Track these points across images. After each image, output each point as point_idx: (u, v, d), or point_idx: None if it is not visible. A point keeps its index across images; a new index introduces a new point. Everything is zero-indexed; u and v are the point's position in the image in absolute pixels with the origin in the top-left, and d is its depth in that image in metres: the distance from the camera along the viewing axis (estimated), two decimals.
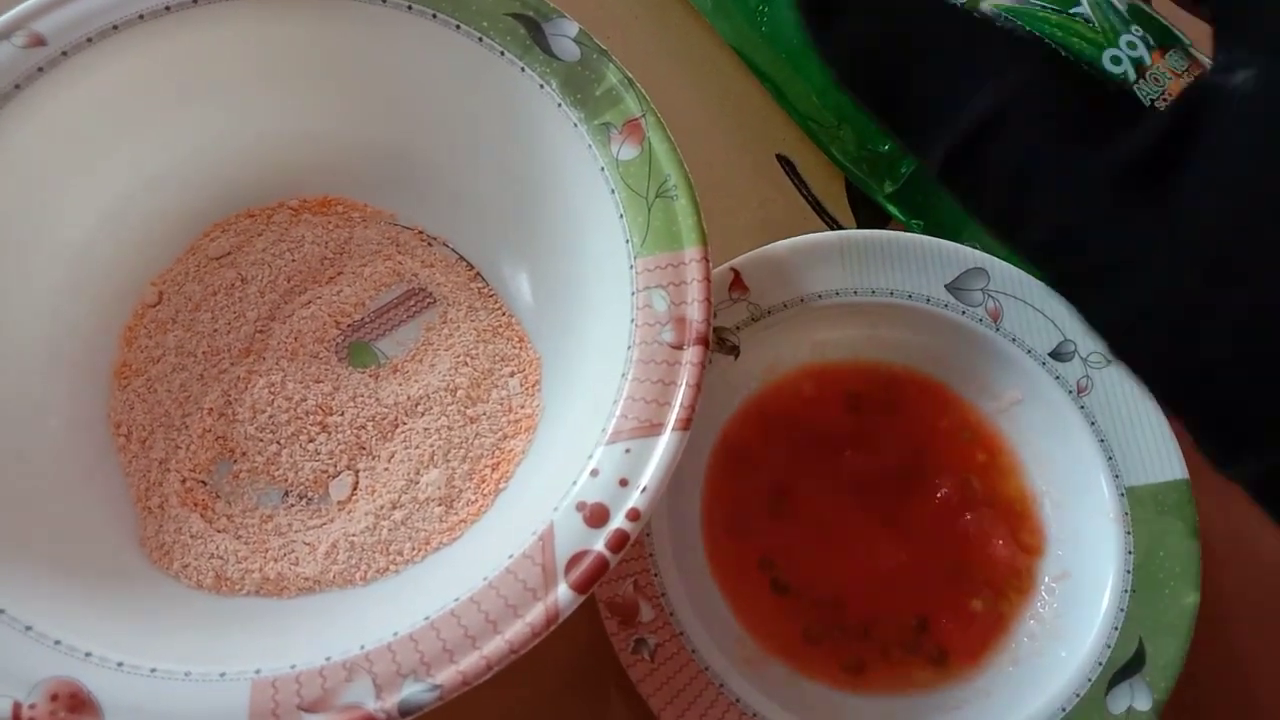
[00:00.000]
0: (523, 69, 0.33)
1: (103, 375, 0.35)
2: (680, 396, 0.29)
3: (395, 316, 0.37)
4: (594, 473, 0.29)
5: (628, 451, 0.29)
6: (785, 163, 0.43)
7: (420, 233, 0.38)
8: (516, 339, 0.36)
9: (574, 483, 0.29)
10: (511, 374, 0.35)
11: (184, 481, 0.34)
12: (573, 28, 0.33)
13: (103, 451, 0.34)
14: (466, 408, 0.35)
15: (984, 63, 0.22)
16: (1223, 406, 0.20)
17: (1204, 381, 0.20)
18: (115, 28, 0.33)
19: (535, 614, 0.27)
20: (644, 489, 0.28)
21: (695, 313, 0.30)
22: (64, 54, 0.33)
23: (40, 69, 0.33)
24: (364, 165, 0.38)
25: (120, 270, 0.36)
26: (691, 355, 0.29)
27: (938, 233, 0.38)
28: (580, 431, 0.31)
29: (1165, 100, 0.23)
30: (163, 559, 0.32)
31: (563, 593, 0.27)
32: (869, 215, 0.43)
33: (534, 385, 0.35)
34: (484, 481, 0.34)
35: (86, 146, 0.34)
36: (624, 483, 0.28)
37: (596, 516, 0.28)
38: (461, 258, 0.38)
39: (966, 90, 0.21)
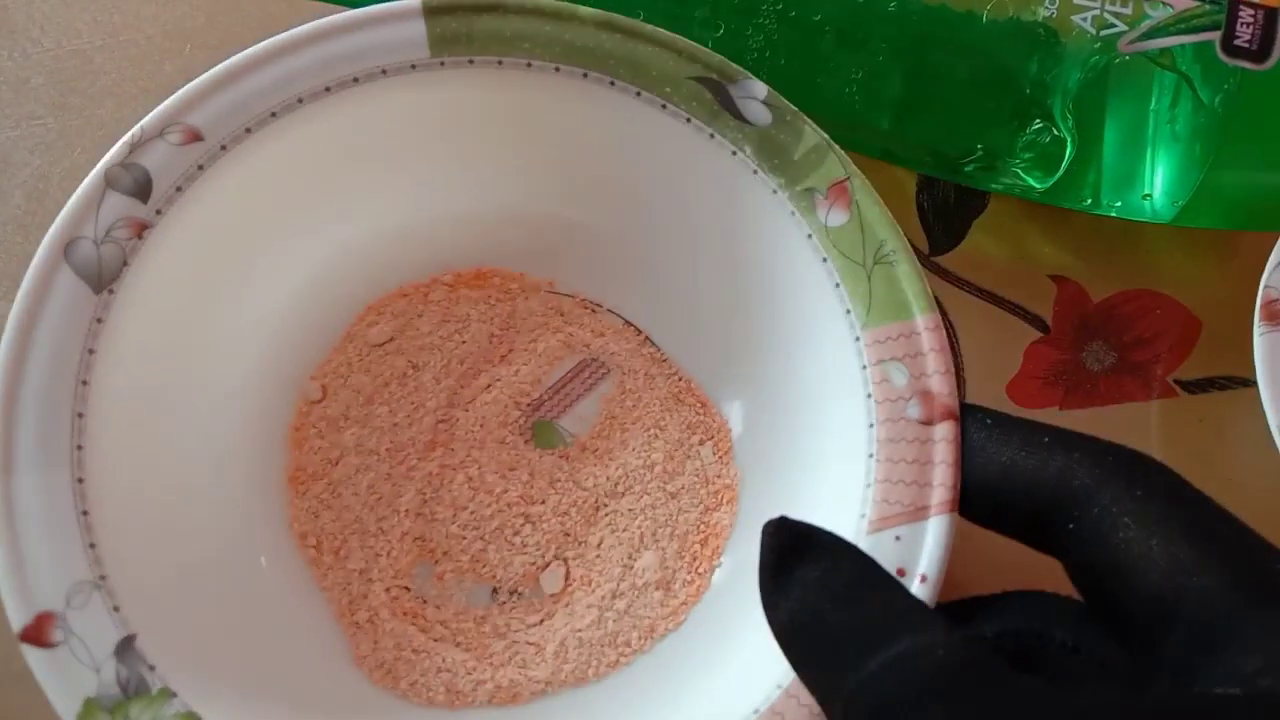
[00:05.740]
0: (711, 135, 0.32)
1: (276, 483, 0.33)
2: (940, 475, 0.29)
3: (573, 391, 0.35)
4: None
5: (898, 539, 0.28)
6: None
7: (582, 300, 0.36)
8: (699, 404, 0.35)
9: None
10: (701, 442, 0.35)
11: (388, 590, 0.32)
12: (761, 89, 0.32)
13: (293, 566, 0.32)
14: (665, 483, 0.34)
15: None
16: None
17: None
18: (274, 115, 0.31)
19: None
20: (924, 578, 0.28)
21: (939, 385, 0.29)
22: (223, 148, 0.30)
23: (200, 166, 0.30)
24: (518, 234, 0.35)
25: (277, 367, 0.33)
26: (944, 431, 0.29)
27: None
28: (813, 510, 0.30)
29: None
30: (385, 678, 0.31)
31: None
32: (943, 233, 0.42)
33: (727, 452, 0.34)
34: (696, 559, 0.33)
35: (240, 243, 0.32)
36: (901, 572, 0.28)
37: None
38: (628, 323, 0.36)
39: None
